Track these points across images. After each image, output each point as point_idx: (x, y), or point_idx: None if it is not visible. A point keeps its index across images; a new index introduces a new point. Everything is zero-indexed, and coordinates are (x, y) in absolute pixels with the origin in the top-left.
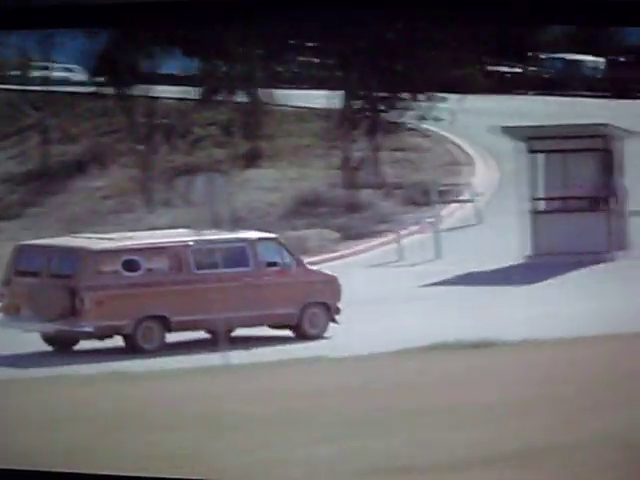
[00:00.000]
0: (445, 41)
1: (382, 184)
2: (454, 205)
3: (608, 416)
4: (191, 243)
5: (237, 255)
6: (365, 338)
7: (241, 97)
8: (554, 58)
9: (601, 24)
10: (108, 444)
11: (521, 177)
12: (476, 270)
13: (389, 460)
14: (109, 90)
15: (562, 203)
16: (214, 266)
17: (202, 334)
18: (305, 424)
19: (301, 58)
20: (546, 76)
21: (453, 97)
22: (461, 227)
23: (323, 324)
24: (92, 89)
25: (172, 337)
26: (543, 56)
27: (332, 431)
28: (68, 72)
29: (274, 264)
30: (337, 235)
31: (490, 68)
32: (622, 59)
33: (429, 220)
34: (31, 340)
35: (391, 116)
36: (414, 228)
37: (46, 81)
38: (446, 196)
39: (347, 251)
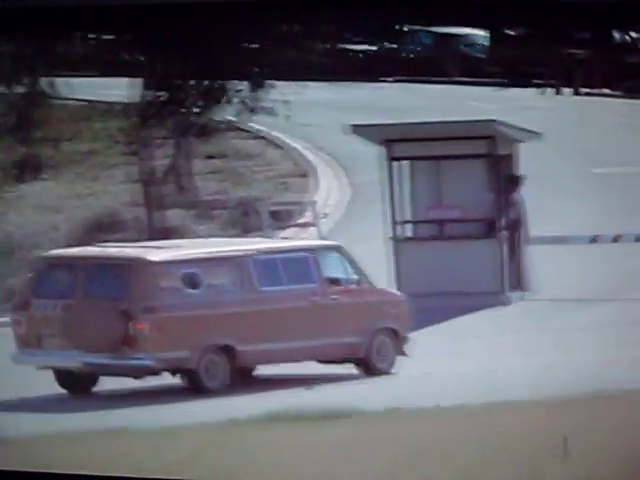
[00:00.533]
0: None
1: (196, 202)
2: (292, 230)
3: None
4: (253, 252)
5: (301, 268)
6: None
7: (12, 87)
8: (422, 32)
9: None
10: None
11: (380, 193)
12: None
13: None
14: None
15: (436, 227)
16: (278, 282)
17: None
18: None
19: (91, 35)
20: (412, 56)
21: (289, 86)
22: None
23: (392, 357)
24: None
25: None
26: (406, 29)
27: None
28: None
29: (337, 279)
30: None
31: (339, 46)
32: (512, 32)
33: None
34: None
35: (208, 112)
36: None
37: None
38: (281, 218)
39: None
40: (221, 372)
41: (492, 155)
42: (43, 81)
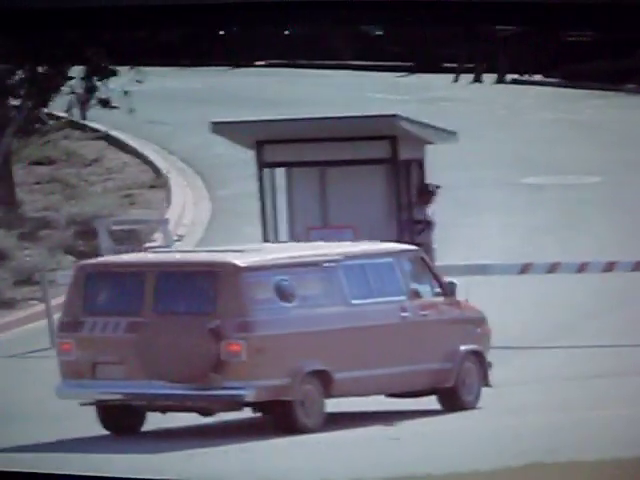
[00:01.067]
0: None
1: (18, 219)
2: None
3: None
4: (341, 257)
5: (388, 276)
6: None
7: None
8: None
9: None
10: None
11: (248, 208)
12: None
13: None
14: None
15: None
16: (368, 294)
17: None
18: None
19: None
20: (289, 33)
21: (133, 71)
22: None
23: (477, 388)
24: None
25: None
26: None
27: None
28: None
29: (420, 292)
30: None
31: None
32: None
33: None
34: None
35: (31, 104)
36: None
37: None
38: (126, 239)
39: None
40: (317, 405)
41: (393, 160)
42: None
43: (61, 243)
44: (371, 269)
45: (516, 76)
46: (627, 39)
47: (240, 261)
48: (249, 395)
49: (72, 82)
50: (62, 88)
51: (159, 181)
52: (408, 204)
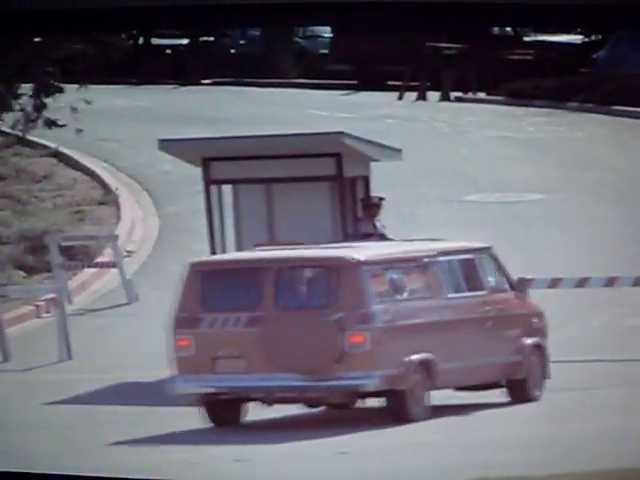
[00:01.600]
0: None
1: None
2: (89, 271)
3: None
4: (436, 253)
5: (471, 272)
6: None
7: None
8: None
9: None
10: None
11: (196, 225)
12: (131, 380)
13: None
14: None
15: None
16: (458, 288)
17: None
18: None
19: None
20: (235, 51)
21: (82, 90)
22: (101, 310)
23: (541, 380)
24: None
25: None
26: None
27: None
28: None
29: (496, 287)
30: None
31: (145, 41)
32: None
33: (47, 298)
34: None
35: None
36: (24, 311)
37: None
38: (76, 256)
39: None
40: (423, 395)
41: (339, 177)
42: None
43: (12, 258)
44: (459, 265)
45: (460, 94)
46: (569, 57)
47: (360, 255)
48: (370, 385)
49: (21, 100)
50: (12, 106)
51: (108, 198)
52: (354, 220)
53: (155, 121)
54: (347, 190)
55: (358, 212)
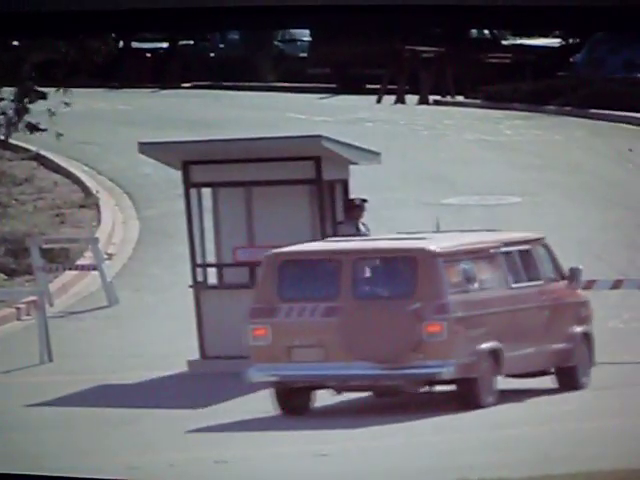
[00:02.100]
0: None
1: None
2: (70, 274)
3: None
4: (500, 244)
5: (529, 263)
6: None
7: None
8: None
9: None
10: None
11: (176, 227)
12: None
13: None
14: None
15: (246, 273)
16: (520, 278)
17: None
18: None
19: None
20: (214, 55)
21: (62, 93)
22: (81, 312)
23: (589, 368)
24: None
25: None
26: None
27: None
28: None
29: (551, 277)
30: None
31: (125, 44)
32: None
33: (28, 300)
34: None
35: None
36: (4, 314)
37: None
38: (56, 259)
39: None
40: (492, 383)
41: (318, 180)
42: None
43: None
44: (518, 255)
45: (438, 97)
46: (547, 60)
47: (436, 247)
48: (446, 373)
49: (2, 104)
50: None
51: (89, 200)
52: (336, 223)
53: (135, 124)
54: (326, 193)
55: (337, 215)
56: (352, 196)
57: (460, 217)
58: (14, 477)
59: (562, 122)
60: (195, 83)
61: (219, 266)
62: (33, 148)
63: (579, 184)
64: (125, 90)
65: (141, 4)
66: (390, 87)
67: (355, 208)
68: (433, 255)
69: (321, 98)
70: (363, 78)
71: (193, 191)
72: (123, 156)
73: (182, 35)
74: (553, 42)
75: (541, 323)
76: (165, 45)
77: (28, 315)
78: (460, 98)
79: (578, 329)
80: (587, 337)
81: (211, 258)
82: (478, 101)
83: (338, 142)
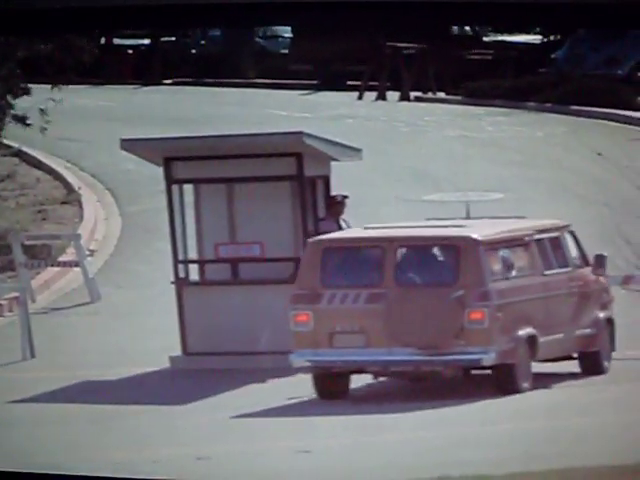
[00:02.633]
0: None
1: None
2: (53, 271)
3: None
4: (533, 232)
5: (558, 250)
6: None
7: None
8: None
9: None
10: None
11: (158, 224)
12: (94, 379)
13: None
14: None
15: (228, 269)
16: (551, 265)
17: None
18: None
19: None
20: (195, 52)
21: (46, 89)
22: (64, 308)
23: (610, 353)
24: None
25: None
26: None
27: None
28: None
29: (577, 264)
30: None
31: (105, 40)
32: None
33: (10, 296)
34: None
35: None
36: None
37: None
38: (39, 255)
39: None
40: (528, 368)
41: (299, 177)
42: None
43: None
44: (549, 243)
45: (419, 94)
46: (528, 57)
47: (478, 235)
48: (487, 359)
49: None
50: None
51: (71, 197)
52: (317, 220)
53: (117, 121)
54: (307, 190)
55: (319, 211)
56: (333, 193)
57: (441, 213)
58: (16, 476)
59: (543, 118)
60: (177, 80)
61: (201, 262)
62: (15, 144)
63: (560, 180)
64: (107, 87)
65: (122, 1)
66: (371, 83)
67: (336, 205)
68: (476, 243)
69: (302, 94)
70: (344, 74)
71: (175, 187)
72: (105, 153)
73: (163, 32)
74: (534, 39)
75: (570, 309)
76: (147, 42)
77: (10, 311)
78: (441, 94)
79: (602, 314)
80: (610, 322)
81: (193, 254)
82: (459, 97)
83: (319, 138)
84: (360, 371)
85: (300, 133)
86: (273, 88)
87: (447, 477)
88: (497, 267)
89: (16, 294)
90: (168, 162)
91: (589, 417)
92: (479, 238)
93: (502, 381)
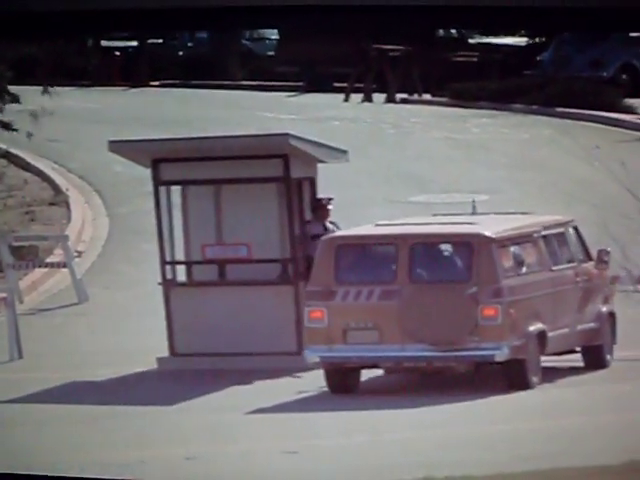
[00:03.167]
0: None
1: None
2: (41, 272)
3: None
4: (540, 228)
5: (563, 245)
6: None
7: None
8: None
9: None
10: None
11: (145, 225)
12: (81, 379)
13: None
14: None
15: (215, 270)
16: (557, 261)
17: None
18: None
19: None
20: (182, 54)
21: (34, 91)
22: (51, 309)
23: (611, 347)
24: None
25: None
26: None
27: None
28: None
29: (582, 259)
30: None
31: (96, 43)
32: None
33: None
34: None
35: None
36: None
37: None
38: (26, 256)
39: None
40: (537, 363)
41: (286, 178)
42: None
43: None
44: (555, 238)
45: (405, 95)
46: (514, 59)
47: (491, 232)
48: (500, 355)
49: None
50: None
51: (59, 198)
52: (304, 222)
53: (105, 122)
54: (294, 191)
55: (305, 213)
56: (320, 195)
57: (427, 215)
58: (15, 477)
59: (529, 120)
60: (164, 81)
61: (188, 263)
62: (3, 146)
63: (546, 182)
64: (94, 88)
65: (109, 4)
66: (357, 85)
67: (322, 207)
68: (489, 240)
69: (289, 96)
70: (330, 76)
71: (162, 189)
72: (93, 154)
73: (151, 35)
74: (520, 41)
75: (575, 303)
76: (134, 44)
77: None
78: (427, 96)
79: (604, 309)
80: (612, 316)
81: (180, 255)
82: (445, 99)
83: (306, 140)
84: (373, 367)
85: (286, 135)
86: (260, 90)
87: (432, 478)
88: (509, 264)
89: (3, 295)
90: (156, 164)
91: (577, 417)
92: (492, 235)
93: (513, 376)
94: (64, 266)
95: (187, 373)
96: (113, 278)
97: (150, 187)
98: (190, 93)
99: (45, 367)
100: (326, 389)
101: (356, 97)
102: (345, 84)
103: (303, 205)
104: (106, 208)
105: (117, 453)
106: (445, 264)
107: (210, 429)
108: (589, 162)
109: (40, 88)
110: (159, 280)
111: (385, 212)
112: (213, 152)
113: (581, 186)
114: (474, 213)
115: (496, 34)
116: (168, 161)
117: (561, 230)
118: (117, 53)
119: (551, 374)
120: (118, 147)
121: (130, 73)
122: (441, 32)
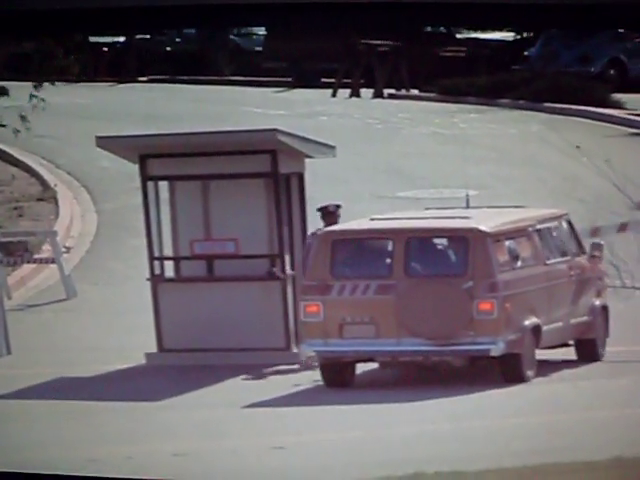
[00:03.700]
0: None
1: None
2: (29, 267)
3: None
4: (535, 222)
5: (557, 239)
6: None
7: None
8: None
9: None
10: None
11: (133, 221)
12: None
13: None
14: None
15: (203, 266)
16: (552, 254)
17: None
18: None
19: None
20: (170, 49)
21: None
22: (40, 305)
23: (604, 340)
24: None
25: None
26: None
27: None
28: None
29: (576, 252)
30: None
31: (82, 39)
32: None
33: None
34: None
35: None
36: None
37: None
38: (14, 252)
39: None
40: (532, 357)
41: (274, 174)
42: None
43: None
44: (548, 232)
45: (393, 91)
46: (502, 54)
47: (486, 227)
48: (496, 349)
49: None
50: None
51: (47, 194)
52: (288, 216)
53: (93, 118)
54: (282, 187)
55: (293, 208)
56: (308, 192)
57: (415, 210)
58: (16, 476)
59: (516, 116)
60: (152, 77)
61: (176, 259)
62: None
63: (534, 177)
64: (82, 84)
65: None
66: (345, 81)
67: (329, 215)
68: (485, 235)
69: (277, 92)
70: (318, 72)
71: (150, 184)
72: (81, 150)
73: (139, 32)
74: (507, 36)
75: (570, 297)
76: (122, 39)
77: None
78: (415, 92)
79: (597, 302)
80: (605, 309)
81: (168, 251)
82: (433, 94)
83: (293, 135)
84: (369, 361)
85: (274, 130)
86: (247, 85)
87: (422, 473)
88: (504, 258)
89: None
90: (143, 159)
91: (565, 414)
92: (488, 230)
93: (509, 370)
94: (52, 262)
95: (175, 369)
96: (101, 274)
97: (138, 183)
98: (178, 88)
99: (33, 363)
100: (320, 383)
101: (344, 92)
102: (333, 80)
103: (291, 200)
104: (94, 204)
105: (104, 449)
106: (441, 258)
107: (199, 425)
108: (577, 158)
109: (29, 84)
110: (147, 276)
111: (373, 207)
112: (201, 147)
113: (569, 182)
114: (468, 207)
115: (484, 29)
116: (156, 156)
117: (555, 224)
118: (105, 48)
119: (545, 368)
120: (105, 143)
121: (118, 68)
122: (429, 27)
